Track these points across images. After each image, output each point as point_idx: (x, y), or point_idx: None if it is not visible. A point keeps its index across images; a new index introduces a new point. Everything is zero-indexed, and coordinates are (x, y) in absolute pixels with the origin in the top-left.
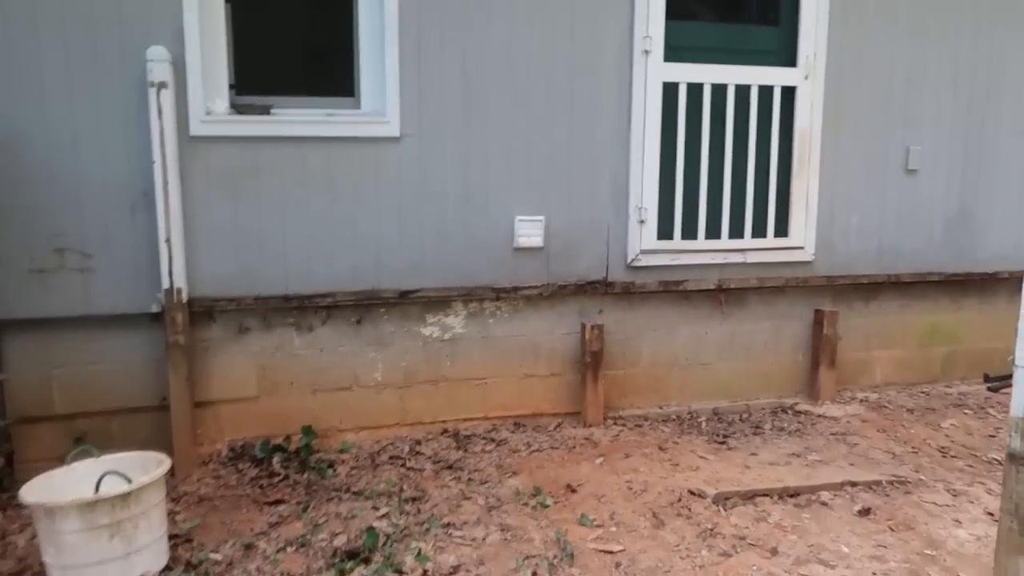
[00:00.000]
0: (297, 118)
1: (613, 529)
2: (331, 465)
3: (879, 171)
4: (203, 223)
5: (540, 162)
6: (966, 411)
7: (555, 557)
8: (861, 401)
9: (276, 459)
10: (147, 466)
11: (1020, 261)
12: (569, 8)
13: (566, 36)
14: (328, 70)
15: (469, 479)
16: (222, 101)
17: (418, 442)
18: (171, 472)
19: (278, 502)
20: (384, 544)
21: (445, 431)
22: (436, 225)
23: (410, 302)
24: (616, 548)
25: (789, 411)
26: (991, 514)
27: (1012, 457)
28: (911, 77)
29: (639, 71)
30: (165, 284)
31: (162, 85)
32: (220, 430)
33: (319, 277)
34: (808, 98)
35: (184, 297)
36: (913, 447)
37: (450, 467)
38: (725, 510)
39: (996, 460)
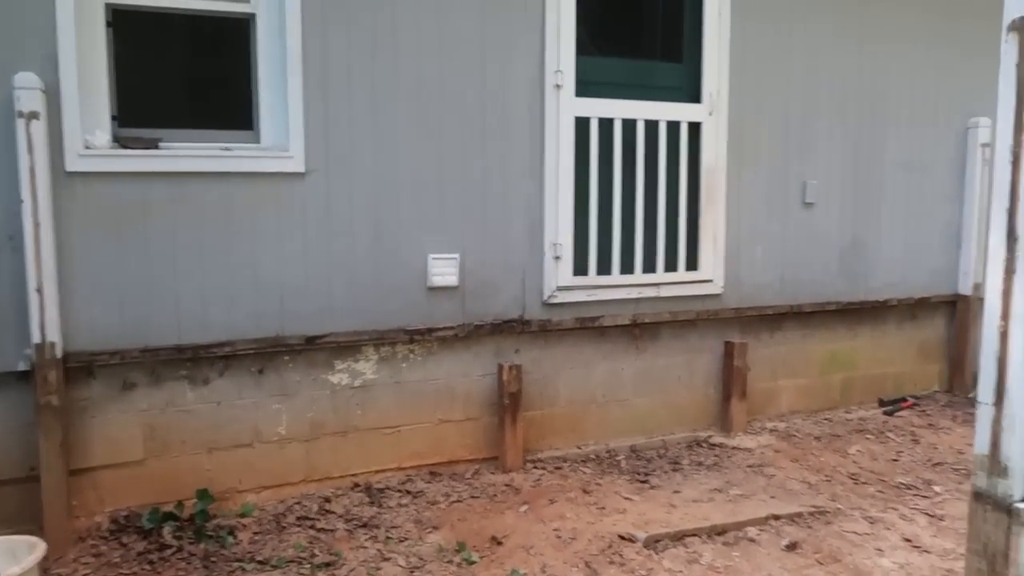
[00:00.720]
0: (190, 152)
1: None
2: (231, 532)
3: (780, 204)
4: (82, 269)
5: (454, 199)
6: (868, 436)
7: None
8: (771, 431)
9: (167, 529)
10: (16, 553)
11: (907, 289)
12: (479, 41)
13: (477, 70)
14: (224, 101)
15: (387, 537)
16: (103, 133)
17: (328, 499)
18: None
19: None
20: None
21: (356, 485)
22: (345, 266)
23: (317, 348)
24: None
25: (704, 444)
26: (909, 540)
27: (977, 496)
28: (805, 115)
29: (551, 106)
30: (36, 338)
31: (32, 115)
32: (100, 500)
33: (216, 325)
34: (713, 134)
35: (58, 352)
36: (826, 475)
37: (364, 525)
38: (657, 554)
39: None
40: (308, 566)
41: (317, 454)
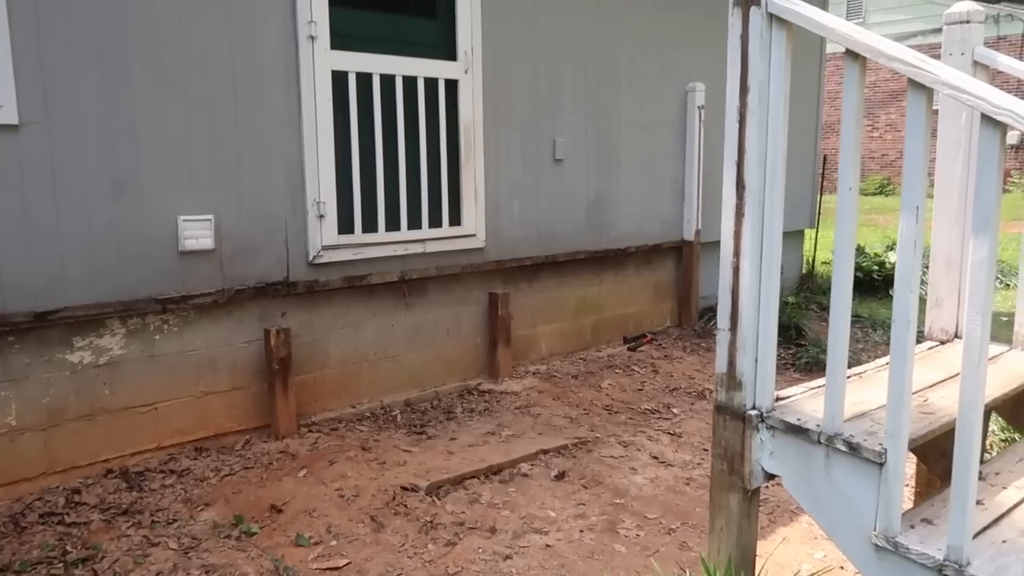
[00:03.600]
0: None
1: (333, 543)
2: None
3: (533, 161)
4: None
5: (204, 156)
6: (617, 371)
7: None
8: (534, 374)
9: None
10: None
11: (643, 237)
12: None
13: (222, 15)
14: None
15: (152, 522)
16: None
17: (76, 491)
18: None
19: None
20: None
21: (110, 471)
22: (78, 230)
23: (50, 325)
24: (341, 563)
25: (475, 392)
26: (656, 458)
27: (719, 408)
28: (552, 75)
29: (306, 58)
30: None
31: None
32: None
33: None
34: (469, 91)
35: None
36: (584, 409)
37: (125, 512)
38: (439, 499)
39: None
40: (60, 565)
41: (59, 443)
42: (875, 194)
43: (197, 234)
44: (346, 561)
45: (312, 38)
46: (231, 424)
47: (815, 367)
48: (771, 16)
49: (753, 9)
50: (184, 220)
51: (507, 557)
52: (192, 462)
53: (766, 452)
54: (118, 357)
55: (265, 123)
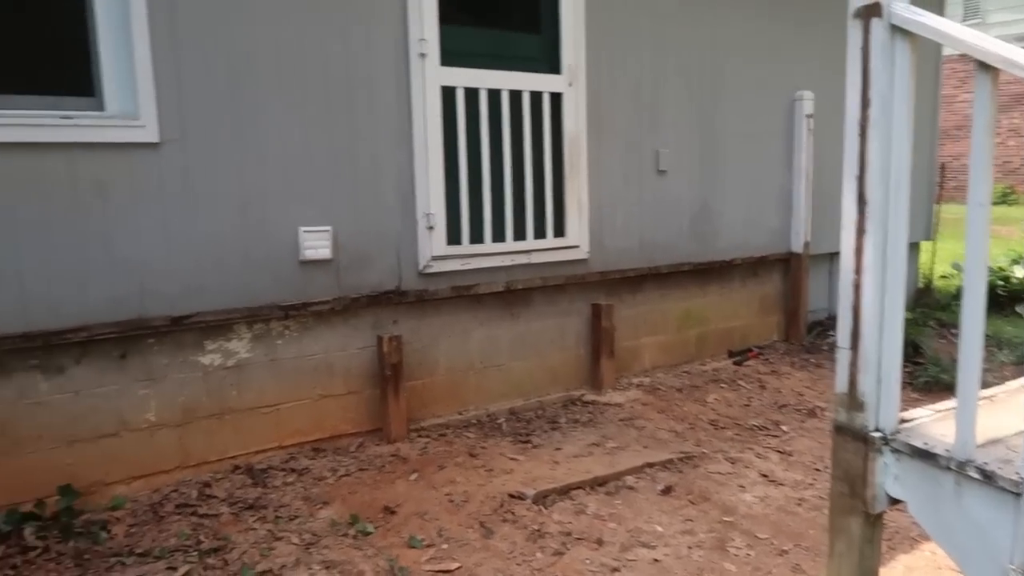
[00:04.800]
0: (23, 121)
1: (444, 546)
2: (104, 526)
3: (636, 172)
4: None
5: (323, 169)
6: (722, 385)
7: None
8: (637, 386)
9: (28, 530)
10: None
11: (749, 249)
12: (341, 7)
13: (340, 36)
14: (61, 65)
15: (276, 517)
16: None
17: (207, 484)
18: None
19: None
20: None
21: (237, 468)
22: (210, 241)
23: (185, 329)
24: (453, 566)
25: (578, 402)
26: (765, 476)
27: (838, 429)
28: (656, 86)
29: (417, 74)
30: None
31: None
32: None
33: (69, 309)
34: (573, 104)
35: None
36: (689, 423)
37: (251, 507)
38: (546, 508)
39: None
40: (195, 553)
41: (191, 439)
42: (998, 203)
43: (316, 244)
44: (457, 565)
45: (423, 55)
46: (346, 427)
47: (935, 387)
48: (893, 27)
49: (875, 21)
50: (304, 231)
51: (615, 570)
52: (310, 462)
53: (890, 476)
54: (244, 360)
55: (378, 138)
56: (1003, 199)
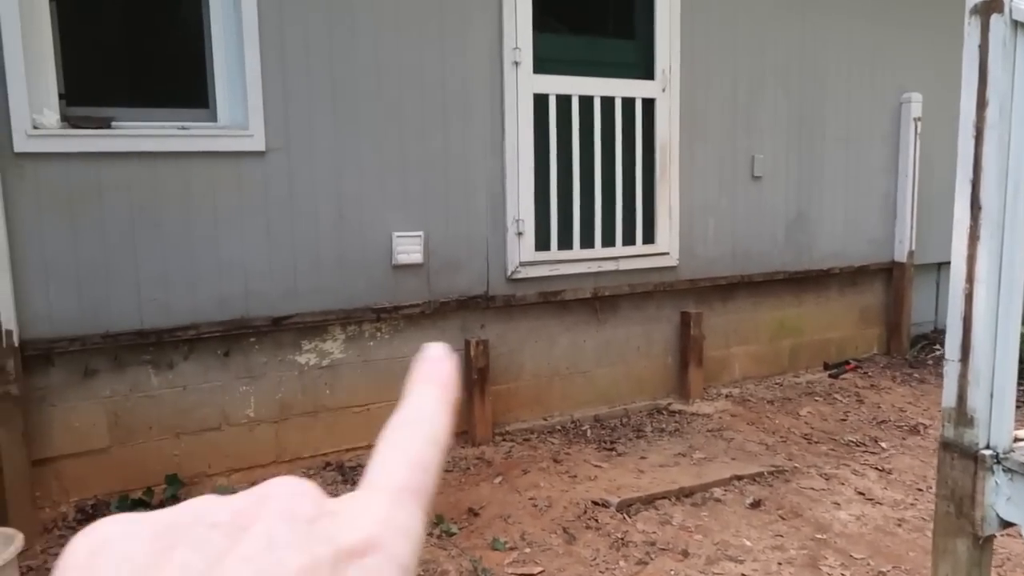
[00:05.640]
0: (144, 132)
1: (527, 550)
2: None
3: (730, 178)
4: (35, 254)
5: (416, 176)
6: (816, 398)
7: None
8: (726, 396)
9: None
10: None
11: (847, 258)
12: (438, 17)
13: (435, 46)
14: (178, 78)
15: None
16: (52, 113)
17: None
18: None
19: None
20: None
21: (328, 464)
22: (309, 245)
23: (284, 329)
24: (536, 570)
25: (665, 411)
26: (862, 494)
27: (945, 445)
28: (752, 90)
29: (510, 82)
30: None
31: None
32: (64, 490)
33: (179, 308)
34: (666, 109)
35: (15, 340)
36: (781, 436)
37: None
38: (630, 517)
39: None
40: None
41: (287, 435)
42: None
43: (408, 249)
44: (540, 569)
45: (516, 64)
46: None
47: None
48: (1016, 24)
49: (995, 17)
50: (397, 236)
51: None
52: None
53: (1002, 497)
54: (338, 360)
55: (470, 145)
56: None
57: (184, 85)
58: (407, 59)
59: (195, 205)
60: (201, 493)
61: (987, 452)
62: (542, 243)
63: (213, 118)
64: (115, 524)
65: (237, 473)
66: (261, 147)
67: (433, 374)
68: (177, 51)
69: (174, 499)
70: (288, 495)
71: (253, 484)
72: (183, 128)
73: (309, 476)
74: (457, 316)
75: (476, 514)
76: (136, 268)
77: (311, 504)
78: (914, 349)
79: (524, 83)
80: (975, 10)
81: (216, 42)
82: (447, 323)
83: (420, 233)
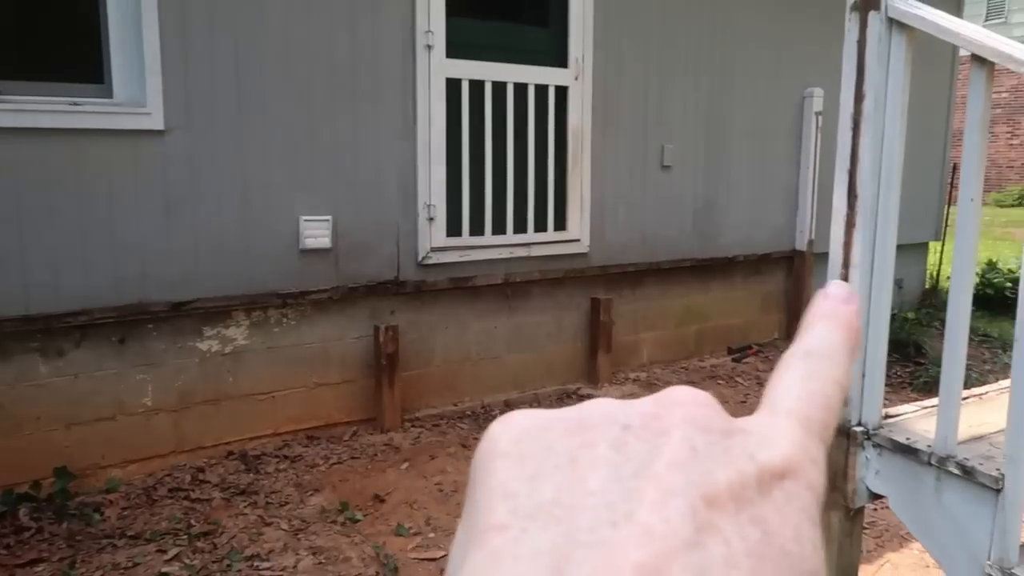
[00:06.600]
0: (32, 107)
1: (432, 535)
2: (97, 509)
3: (640, 167)
4: None
5: (325, 159)
6: (719, 382)
7: (377, 574)
8: (634, 381)
9: (23, 511)
10: None
11: (751, 246)
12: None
13: (346, 27)
14: (70, 52)
15: (267, 503)
16: None
17: (200, 469)
18: None
19: (35, 562)
20: None
21: (231, 453)
22: (211, 228)
23: (184, 315)
24: (438, 554)
25: (574, 396)
26: None
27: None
28: (663, 82)
29: (422, 66)
30: None
31: None
32: None
33: (71, 292)
34: (579, 98)
35: None
36: None
37: (242, 492)
38: None
39: None
40: (185, 537)
41: (187, 424)
42: (1014, 206)
43: (316, 233)
44: (443, 553)
45: (429, 47)
46: (340, 415)
47: (934, 387)
48: (891, 21)
49: (872, 14)
50: (305, 220)
51: None
52: (304, 449)
53: (871, 471)
54: (241, 347)
55: (382, 129)
56: (1020, 202)
57: (78, 59)
58: (317, 40)
59: (88, 185)
60: (95, 487)
61: (858, 429)
62: (454, 229)
63: (108, 94)
64: (528, 417)
65: (133, 464)
66: (160, 126)
67: (836, 311)
68: (71, 24)
69: (64, 493)
70: (694, 403)
71: (150, 476)
72: (75, 104)
73: (210, 466)
74: (366, 302)
75: (382, 501)
76: (22, 250)
77: (719, 416)
78: None
79: (436, 67)
80: (855, 7)
81: (112, 14)
82: (356, 309)
83: (328, 217)
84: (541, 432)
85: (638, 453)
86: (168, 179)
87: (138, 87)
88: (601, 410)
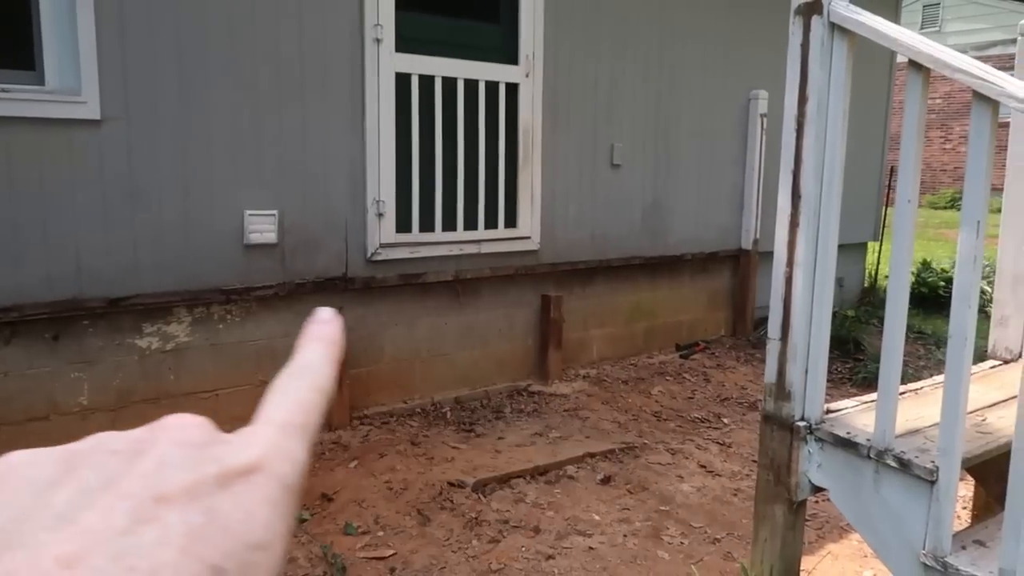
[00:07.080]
0: None
1: (380, 534)
2: None
3: (590, 165)
4: None
5: (271, 153)
6: (668, 378)
7: (325, 574)
8: (584, 377)
9: None
10: None
11: (699, 245)
12: None
13: (293, 19)
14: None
15: None
16: None
17: None
18: None
19: None
20: None
21: None
22: (151, 222)
23: (122, 311)
24: (387, 553)
25: (524, 393)
26: (704, 467)
27: (766, 418)
28: (614, 80)
29: (371, 60)
30: None
31: None
32: None
33: (0, 288)
34: (529, 95)
35: None
36: (633, 415)
37: None
38: (485, 496)
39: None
40: None
41: (125, 423)
42: (947, 208)
43: (262, 228)
44: (392, 552)
45: (378, 41)
46: None
47: (873, 382)
48: (833, 25)
49: (815, 18)
50: (250, 214)
51: (549, 557)
52: None
53: (814, 464)
54: (183, 344)
55: (330, 123)
56: (952, 204)
57: (8, 45)
58: (263, 30)
59: (19, 175)
60: None
61: (801, 424)
62: (403, 225)
63: (40, 82)
64: (20, 454)
65: None
66: (96, 115)
67: (320, 333)
68: (1, 7)
69: None
70: (182, 426)
71: None
72: (3, 91)
73: None
74: (314, 298)
75: (330, 500)
76: None
77: (204, 433)
78: (757, 331)
79: (386, 61)
80: (799, 11)
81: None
82: (303, 306)
83: (275, 212)
84: (29, 466)
85: (114, 471)
86: (105, 170)
87: (72, 75)
88: (97, 440)
